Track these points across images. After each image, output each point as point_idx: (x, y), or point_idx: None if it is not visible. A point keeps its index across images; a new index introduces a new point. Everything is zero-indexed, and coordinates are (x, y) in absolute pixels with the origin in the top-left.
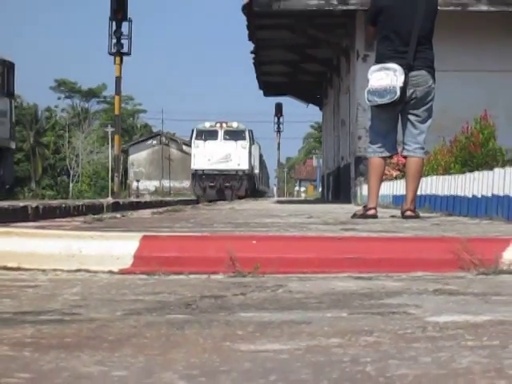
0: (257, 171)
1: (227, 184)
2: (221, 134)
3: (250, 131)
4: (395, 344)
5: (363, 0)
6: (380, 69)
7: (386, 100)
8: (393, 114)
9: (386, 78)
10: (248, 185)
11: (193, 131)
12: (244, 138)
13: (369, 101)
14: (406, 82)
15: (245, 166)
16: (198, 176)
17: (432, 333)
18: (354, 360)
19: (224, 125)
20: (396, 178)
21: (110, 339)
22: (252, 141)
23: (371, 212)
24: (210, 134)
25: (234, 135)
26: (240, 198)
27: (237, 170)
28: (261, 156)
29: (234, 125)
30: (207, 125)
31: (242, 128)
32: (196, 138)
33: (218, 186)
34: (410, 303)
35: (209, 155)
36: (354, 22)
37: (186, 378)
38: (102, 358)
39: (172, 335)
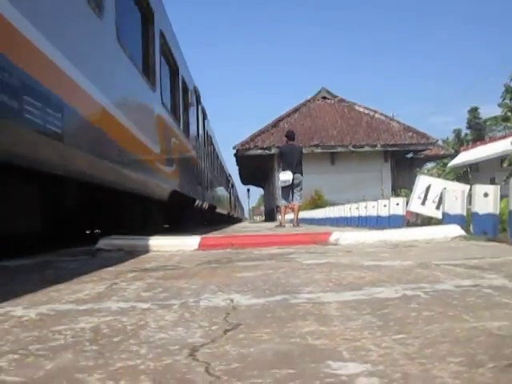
0: (193, 153)
1: None
2: None
3: None
4: (292, 272)
5: (277, 151)
6: (284, 173)
7: (286, 184)
8: (289, 189)
9: (285, 176)
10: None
11: None
12: None
13: (279, 184)
14: (293, 178)
15: None
16: None
17: (305, 267)
18: (278, 278)
19: None
20: (290, 212)
21: (190, 274)
22: None
23: (282, 225)
24: None
25: None
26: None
27: None
28: (204, 118)
29: None
30: None
31: None
32: None
33: None
34: (296, 257)
35: None
36: (273, 158)
37: (217, 286)
38: (187, 281)
39: (212, 272)
